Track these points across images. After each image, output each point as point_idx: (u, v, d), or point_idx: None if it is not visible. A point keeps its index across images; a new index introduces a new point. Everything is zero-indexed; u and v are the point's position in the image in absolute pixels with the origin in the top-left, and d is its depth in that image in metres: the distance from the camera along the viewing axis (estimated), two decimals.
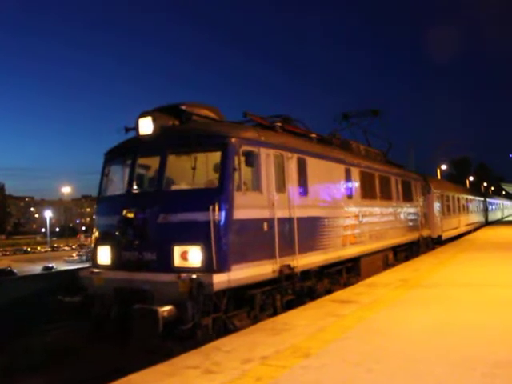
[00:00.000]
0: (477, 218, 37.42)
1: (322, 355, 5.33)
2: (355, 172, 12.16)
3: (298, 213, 8.92)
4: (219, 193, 7.32)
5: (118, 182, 8.80)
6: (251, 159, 7.94)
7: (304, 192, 9.44)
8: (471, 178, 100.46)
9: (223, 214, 7.23)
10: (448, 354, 5.16)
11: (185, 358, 5.51)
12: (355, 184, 12.09)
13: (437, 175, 62.74)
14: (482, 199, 42.97)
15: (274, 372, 4.80)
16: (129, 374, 5.02)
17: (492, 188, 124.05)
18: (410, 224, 16.97)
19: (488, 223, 44.19)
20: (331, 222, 10.40)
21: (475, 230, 35.10)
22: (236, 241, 7.37)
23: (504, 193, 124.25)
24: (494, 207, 55.45)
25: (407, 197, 17.11)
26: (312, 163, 9.84)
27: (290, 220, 8.69)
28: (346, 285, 11.38)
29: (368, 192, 13.00)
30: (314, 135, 11.57)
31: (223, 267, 7.11)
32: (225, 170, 7.49)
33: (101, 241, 8.24)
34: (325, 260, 10.00)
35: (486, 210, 44.53)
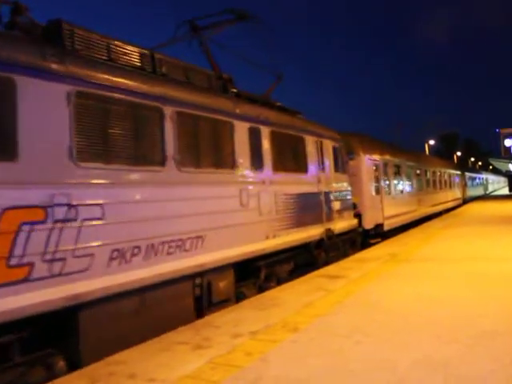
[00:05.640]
0: (450, 195, 30.22)
1: (311, 329, 5.35)
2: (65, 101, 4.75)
3: None
4: None
5: None
6: None
7: None
8: (459, 153, 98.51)
9: None
10: (434, 326, 5.21)
11: (176, 333, 5.48)
12: (67, 127, 4.73)
13: (425, 151, 56.03)
14: (459, 173, 35.69)
15: (263, 346, 4.83)
16: (119, 352, 4.88)
17: (479, 163, 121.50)
18: (300, 213, 9.57)
19: (466, 201, 37.06)
20: None
21: (448, 210, 28.01)
22: None
23: (491, 168, 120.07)
24: (475, 182, 48.29)
25: (296, 165, 9.74)
26: None
27: None
28: None
29: (128, 152, 5.64)
30: None
31: None
32: None
33: None
34: None
35: (464, 186, 37.35)
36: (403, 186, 18.74)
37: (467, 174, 40.79)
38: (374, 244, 14.22)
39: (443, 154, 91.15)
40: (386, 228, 15.52)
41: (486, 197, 53.73)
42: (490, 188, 71.92)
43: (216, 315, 6.29)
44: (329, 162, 11.39)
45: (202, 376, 4.17)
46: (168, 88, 6.44)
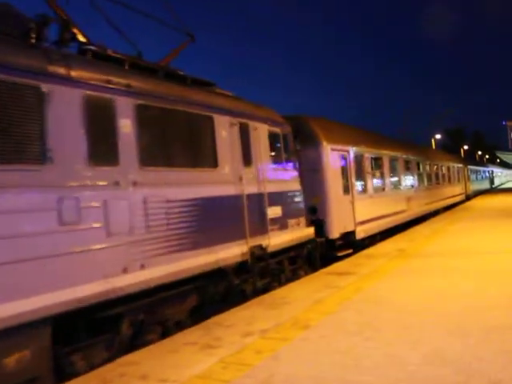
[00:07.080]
0: (450, 191, 27.06)
1: (322, 326, 5.31)
2: None
3: None
4: None
5: None
6: None
7: None
8: (466, 147, 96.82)
9: None
10: (444, 321, 5.11)
11: (186, 334, 5.45)
12: None
13: (431, 145, 52.89)
14: (461, 166, 32.45)
15: (274, 345, 4.79)
16: (128, 354, 4.87)
17: (487, 156, 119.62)
18: (200, 227, 6.56)
19: (470, 197, 33.85)
20: None
21: (447, 208, 24.94)
22: None
23: (499, 161, 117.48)
24: (479, 176, 44.94)
25: (194, 156, 6.80)
26: None
27: None
28: None
29: None
30: None
31: None
32: None
33: None
34: None
35: (466, 180, 34.13)
36: (385, 182, 15.66)
37: (470, 167, 37.52)
38: (342, 258, 11.18)
39: (450, 148, 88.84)
40: (359, 236, 12.47)
41: (493, 191, 50.46)
42: (497, 181, 68.63)
43: (226, 314, 6.20)
44: (261, 153, 8.39)
45: (214, 375, 4.15)
46: None
